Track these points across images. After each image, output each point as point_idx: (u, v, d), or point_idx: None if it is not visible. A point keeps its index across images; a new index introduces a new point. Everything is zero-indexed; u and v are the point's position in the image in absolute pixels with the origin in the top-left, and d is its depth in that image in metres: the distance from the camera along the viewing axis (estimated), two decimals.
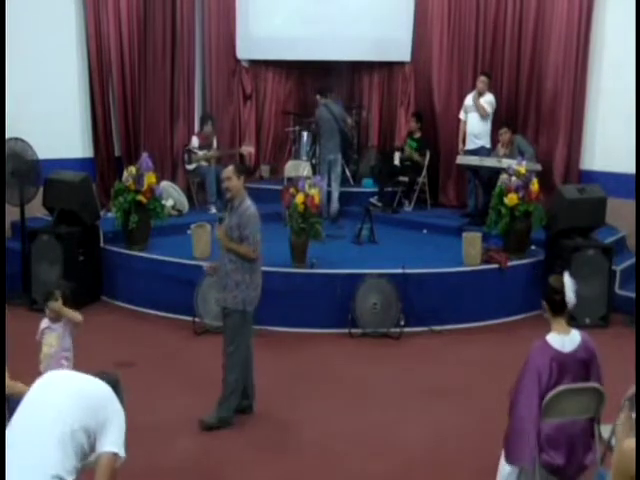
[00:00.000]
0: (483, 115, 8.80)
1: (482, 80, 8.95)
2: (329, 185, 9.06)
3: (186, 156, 9.43)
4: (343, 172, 9.72)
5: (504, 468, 3.86)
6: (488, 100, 8.91)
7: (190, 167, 9.45)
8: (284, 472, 4.53)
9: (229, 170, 5.02)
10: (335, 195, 9.28)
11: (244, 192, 5.02)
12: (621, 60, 8.47)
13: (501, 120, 9.00)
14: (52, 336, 4.51)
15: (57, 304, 4.51)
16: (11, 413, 3.66)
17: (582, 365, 3.73)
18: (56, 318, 4.55)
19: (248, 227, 4.89)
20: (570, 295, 3.72)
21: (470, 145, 9.03)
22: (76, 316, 4.57)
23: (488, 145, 8.92)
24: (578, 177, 9.03)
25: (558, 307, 3.77)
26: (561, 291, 3.74)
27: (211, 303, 6.87)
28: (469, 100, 9.07)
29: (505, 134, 8.65)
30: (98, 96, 9.13)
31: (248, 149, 10.07)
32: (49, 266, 7.35)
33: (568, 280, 3.76)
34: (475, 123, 8.99)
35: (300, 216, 6.92)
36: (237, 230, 4.92)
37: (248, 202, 4.98)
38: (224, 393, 5.04)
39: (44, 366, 4.44)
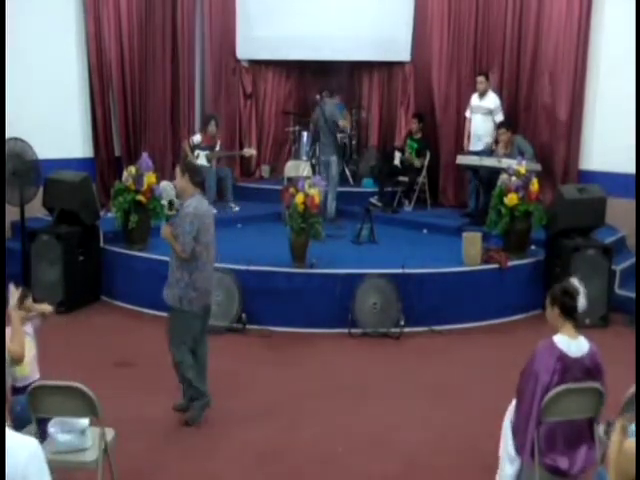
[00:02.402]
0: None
1: (480, 81, 8.97)
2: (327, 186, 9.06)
3: (189, 152, 9.36)
4: (342, 172, 9.67)
5: (504, 469, 3.87)
6: (492, 100, 8.91)
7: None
8: (284, 472, 4.53)
9: (177, 169, 5.07)
10: (329, 197, 9.04)
11: (192, 191, 4.99)
12: (620, 60, 8.46)
13: (501, 120, 8.98)
14: (27, 340, 4.27)
15: (30, 301, 4.38)
16: (14, 418, 3.67)
17: (586, 372, 3.74)
18: (25, 320, 4.34)
19: (180, 226, 4.88)
20: (582, 301, 3.75)
21: (473, 146, 9.03)
22: (46, 307, 4.52)
23: (491, 146, 8.93)
24: (578, 177, 9.03)
25: (571, 312, 3.77)
26: (576, 296, 3.76)
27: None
28: (474, 100, 9.08)
29: (504, 134, 8.65)
30: (98, 96, 9.14)
31: (250, 151, 10.05)
32: (49, 266, 7.36)
33: (580, 285, 3.79)
34: (479, 124, 8.99)
35: (300, 216, 6.92)
36: (176, 228, 4.96)
37: (191, 201, 4.95)
38: (188, 392, 5.13)
39: (29, 371, 4.35)
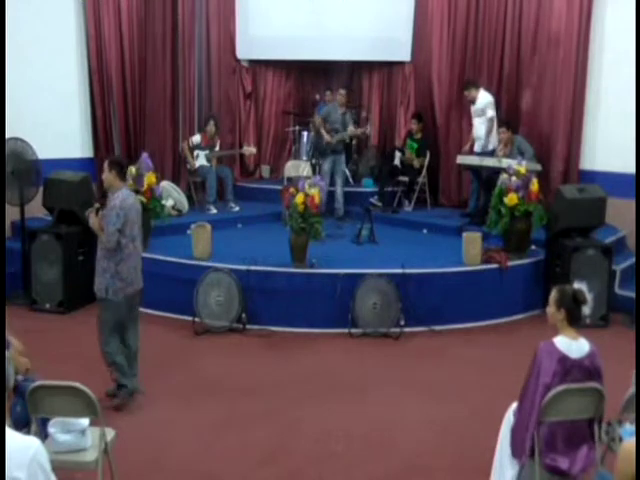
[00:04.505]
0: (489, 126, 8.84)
1: (465, 95, 9.09)
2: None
3: (188, 153, 9.38)
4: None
5: (505, 472, 3.86)
6: (481, 100, 8.88)
7: (194, 166, 9.40)
8: (284, 472, 4.53)
9: (105, 163, 5.24)
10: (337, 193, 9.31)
11: (119, 185, 5.18)
12: (621, 59, 8.46)
13: (501, 120, 8.98)
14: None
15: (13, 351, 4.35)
16: (14, 419, 3.66)
17: (586, 373, 3.74)
18: None
19: (106, 218, 5.10)
20: (586, 308, 3.80)
21: (476, 148, 9.02)
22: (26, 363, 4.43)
23: (492, 147, 8.91)
24: (578, 177, 9.02)
25: (577, 318, 3.80)
26: (584, 304, 3.81)
27: (211, 303, 6.89)
28: (472, 107, 9.08)
29: (504, 133, 8.64)
30: (98, 96, 9.14)
31: (250, 150, 10.08)
32: (49, 266, 7.35)
33: (588, 293, 3.83)
34: (477, 126, 8.98)
35: (300, 216, 6.92)
36: (104, 219, 5.15)
37: (117, 195, 5.13)
38: (117, 377, 5.30)
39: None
